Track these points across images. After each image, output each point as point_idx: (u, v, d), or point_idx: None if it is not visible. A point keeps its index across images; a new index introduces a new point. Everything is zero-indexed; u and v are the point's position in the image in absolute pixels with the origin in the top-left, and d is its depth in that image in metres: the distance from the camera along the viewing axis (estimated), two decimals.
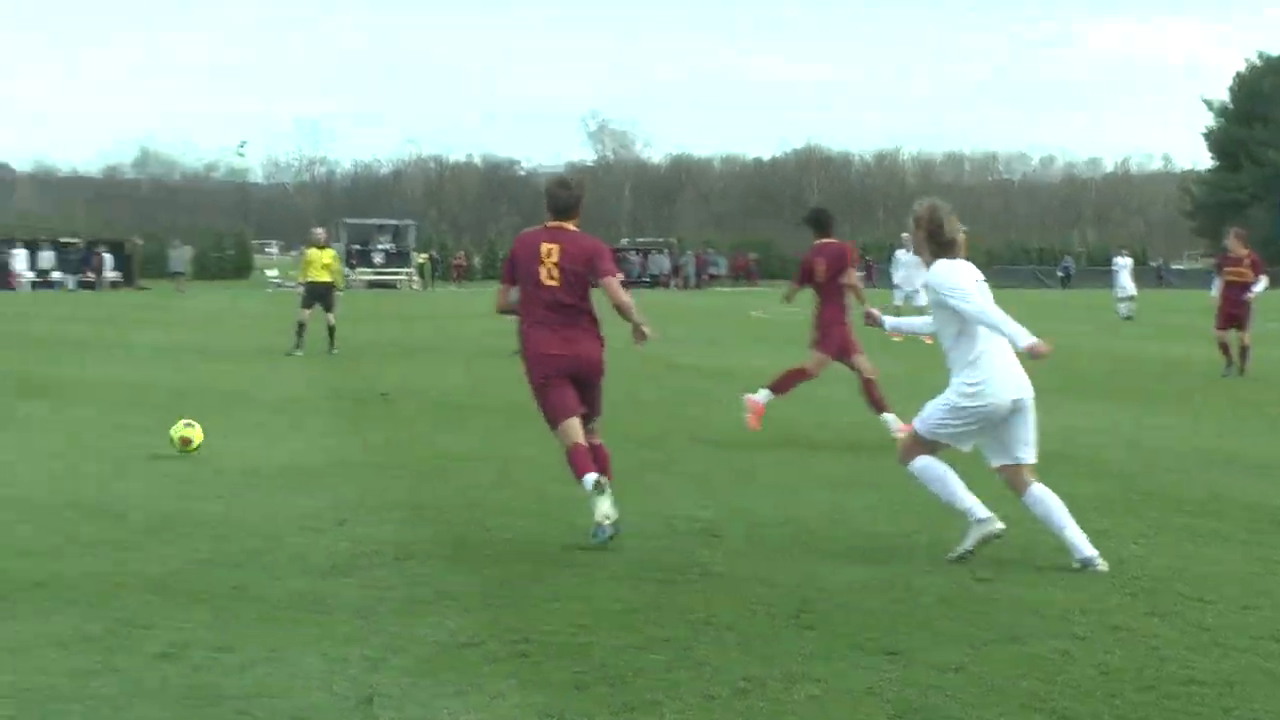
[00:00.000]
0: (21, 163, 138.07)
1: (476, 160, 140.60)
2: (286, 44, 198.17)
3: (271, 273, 79.52)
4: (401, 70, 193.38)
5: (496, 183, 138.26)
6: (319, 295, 25.67)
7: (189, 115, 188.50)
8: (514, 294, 9.35)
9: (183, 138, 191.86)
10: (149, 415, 15.75)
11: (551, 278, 9.07)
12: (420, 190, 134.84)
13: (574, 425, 9.10)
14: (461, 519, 9.88)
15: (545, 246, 9.12)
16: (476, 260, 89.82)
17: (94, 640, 6.68)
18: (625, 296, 9.15)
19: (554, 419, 9.17)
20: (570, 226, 9.26)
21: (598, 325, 9.29)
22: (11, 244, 70.86)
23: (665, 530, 9.47)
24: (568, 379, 9.13)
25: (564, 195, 9.29)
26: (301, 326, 25.41)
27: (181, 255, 71.80)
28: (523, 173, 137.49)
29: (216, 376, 20.98)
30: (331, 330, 25.61)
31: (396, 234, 77.90)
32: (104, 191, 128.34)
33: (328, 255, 26.08)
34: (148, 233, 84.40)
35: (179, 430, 12.77)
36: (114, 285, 69.45)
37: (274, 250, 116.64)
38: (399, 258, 75.46)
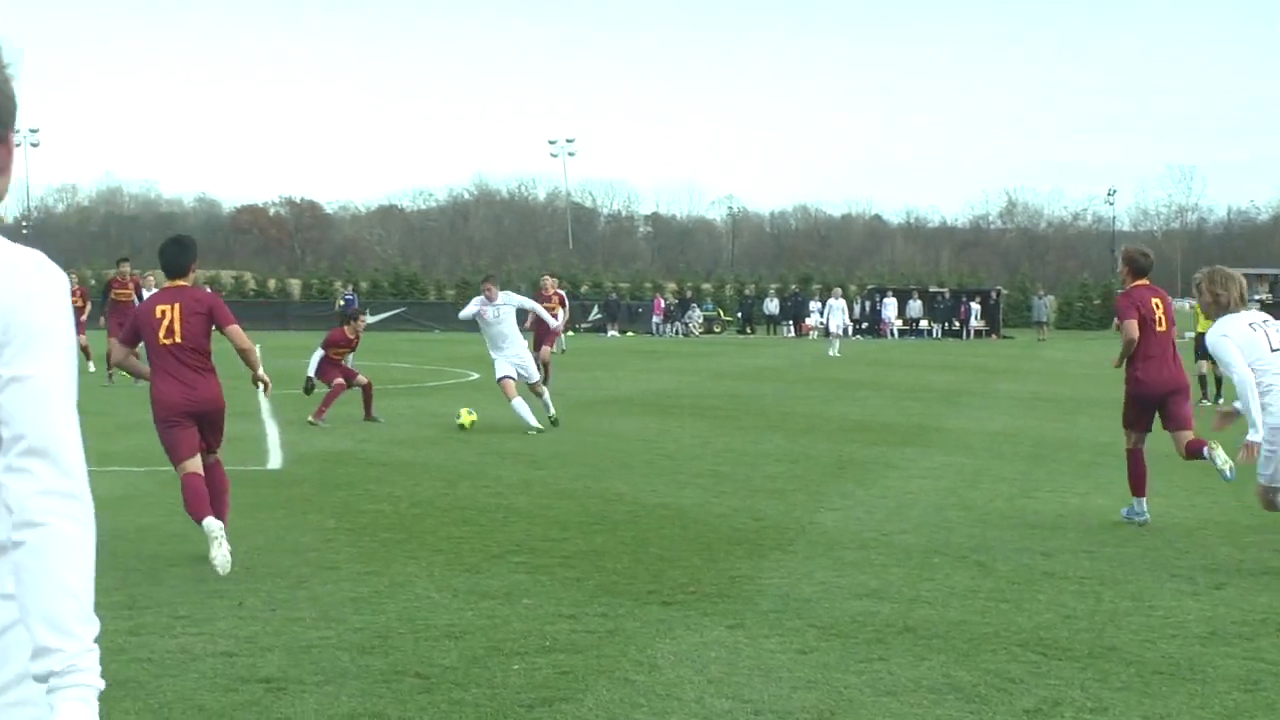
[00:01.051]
0: (894, 215, 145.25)
1: None
2: (1163, 91, 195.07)
3: None
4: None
5: None
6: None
7: (1057, 164, 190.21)
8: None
9: (1051, 186, 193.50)
10: (1014, 465, 15.80)
11: (1160, 325, 11.65)
12: None
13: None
14: None
15: (1154, 300, 11.76)
16: None
17: (964, 690, 6.67)
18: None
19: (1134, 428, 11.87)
20: (1147, 282, 11.94)
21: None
22: (883, 293, 74.44)
23: None
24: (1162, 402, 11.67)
25: (1147, 260, 11.99)
26: (1200, 379, 24.80)
27: (1044, 304, 72.23)
28: None
29: (1080, 428, 20.71)
30: (1203, 380, 24.74)
31: (1275, 284, 74.50)
32: (970, 241, 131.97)
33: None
34: (1012, 281, 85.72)
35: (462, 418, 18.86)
36: (978, 334, 71.02)
37: None
38: (1275, 308, 71.81)
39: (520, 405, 19.10)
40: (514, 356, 19.62)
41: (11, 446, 2.45)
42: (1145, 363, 11.57)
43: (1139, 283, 11.92)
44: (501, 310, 19.64)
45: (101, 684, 2.42)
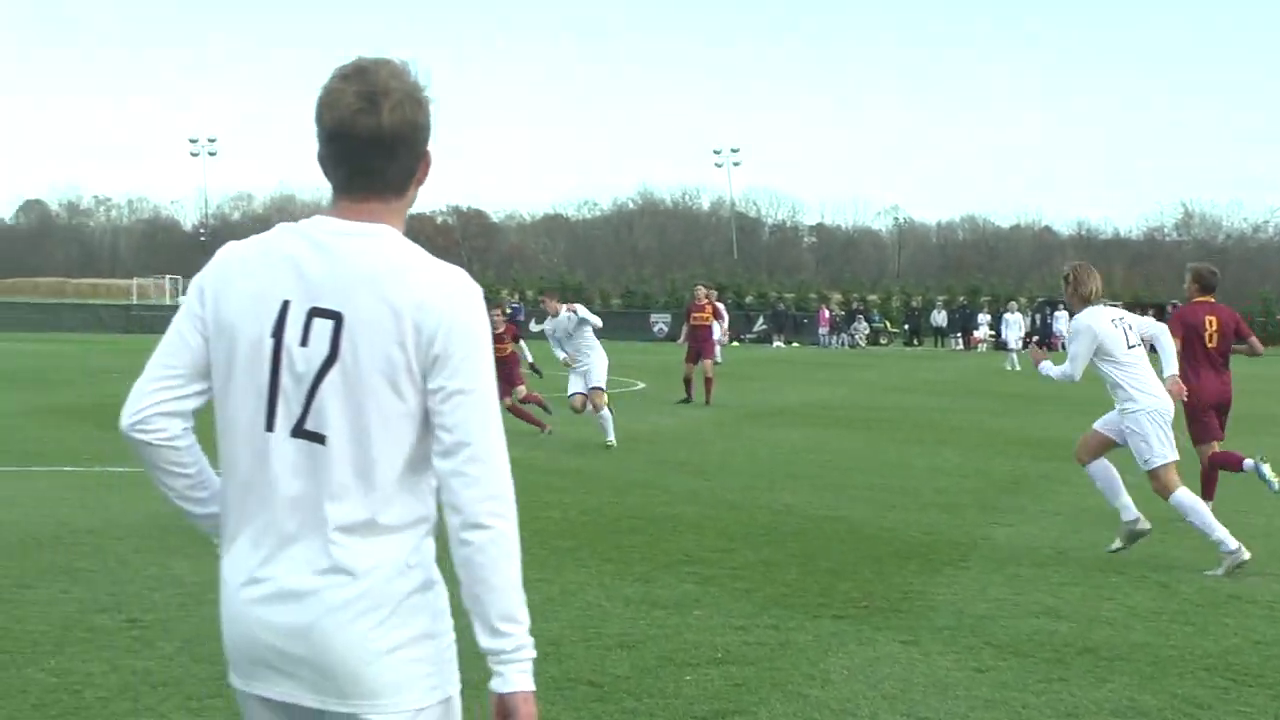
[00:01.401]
0: (1065, 226, 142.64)
1: None
2: None
3: None
4: None
5: None
6: None
7: (1236, 175, 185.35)
8: None
9: (1230, 197, 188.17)
10: (1193, 484, 15.28)
11: (1210, 340, 12.58)
12: None
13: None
14: None
15: (1208, 317, 12.62)
16: None
17: (1149, 715, 6.49)
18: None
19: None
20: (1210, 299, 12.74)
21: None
22: (1054, 305, 72.99)
23: None
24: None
25: (1214, 278, 12.86)
26: None
27: None
28: None
29: (1265, 446, 20.05)
30: None
31: None
32: (1144, 253, 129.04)
33: None
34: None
35: None
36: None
37: None
38: None
39: (605, 418, 18.59)
40: (582, 368, 19.33)
41: (456, 452, 2.80)
42: (1194, 374, 12.45)
43: (1201, 299, 12.86)
44: (574, 321, 19.61)
45: (534, 653, 2.87)
